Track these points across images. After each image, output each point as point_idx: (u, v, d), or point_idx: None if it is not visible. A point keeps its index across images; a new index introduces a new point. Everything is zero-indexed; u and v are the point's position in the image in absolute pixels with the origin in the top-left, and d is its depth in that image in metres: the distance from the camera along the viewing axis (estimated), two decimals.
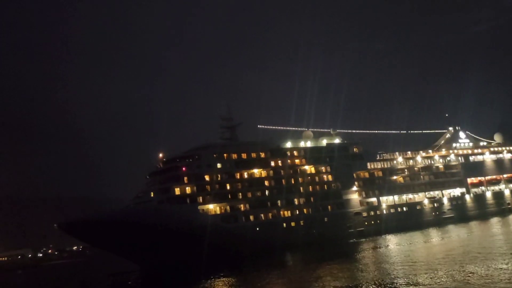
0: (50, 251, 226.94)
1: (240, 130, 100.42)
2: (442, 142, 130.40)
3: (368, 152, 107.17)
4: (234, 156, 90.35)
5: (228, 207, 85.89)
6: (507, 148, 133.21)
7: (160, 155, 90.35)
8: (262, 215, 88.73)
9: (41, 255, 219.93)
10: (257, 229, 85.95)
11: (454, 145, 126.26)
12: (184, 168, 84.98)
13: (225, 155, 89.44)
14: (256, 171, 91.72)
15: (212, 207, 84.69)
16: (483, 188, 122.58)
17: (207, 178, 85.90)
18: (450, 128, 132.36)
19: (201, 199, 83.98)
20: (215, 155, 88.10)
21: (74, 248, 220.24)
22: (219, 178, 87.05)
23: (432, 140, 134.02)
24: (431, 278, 38.75)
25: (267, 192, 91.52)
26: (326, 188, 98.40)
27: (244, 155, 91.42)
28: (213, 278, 56.91)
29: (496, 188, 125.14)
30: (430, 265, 46.16)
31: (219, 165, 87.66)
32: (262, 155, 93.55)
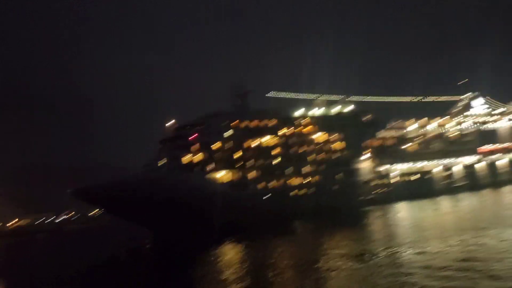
0: (71, 216, 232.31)
1: (251, 98, 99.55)
2: (459, 108, 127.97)
3: (380, 120, 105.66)
4: (244, 124, 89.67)
5: (237, 175, 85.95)
6: None
7: (171, 122, 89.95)
8: (271, 183, 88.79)
9: (63, 218, 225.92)
10: (266, 196, 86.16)
11: (469, 112, 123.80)
12: (194, 136, 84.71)
13: (235, 123, 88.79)
14: (265, 139, 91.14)
15: (222, 175, 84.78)
16: (497, 156, 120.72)
17: (217, 145, 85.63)
18: (468, 94, 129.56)
19: (210, 167, 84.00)
20: (225, 123, 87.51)
21: (95, 212, 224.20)
22: (229, 146, 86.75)
23: (448, 107, 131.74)
24: (441, 245, 38.35)
25: (276, 160, 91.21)
26: (336, 156, 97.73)
27: (254, 123, 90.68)
28: (222, 244, 57.18)
29: (511, 156, 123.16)
30: (440, 233, 45.62)
31: (229, 133, 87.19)
32: (272, 123, 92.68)
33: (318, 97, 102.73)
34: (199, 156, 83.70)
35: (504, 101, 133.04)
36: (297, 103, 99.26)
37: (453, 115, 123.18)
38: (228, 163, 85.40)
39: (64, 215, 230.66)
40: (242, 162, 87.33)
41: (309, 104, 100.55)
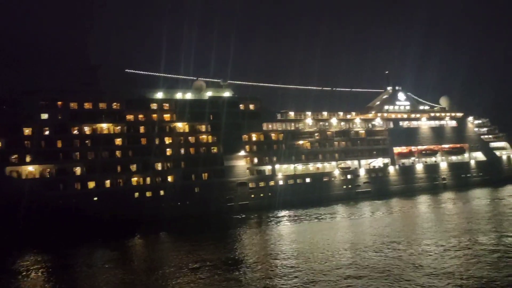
0: None
1: (114, 78, 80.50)
2: (377, 103, 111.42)
3: (266, 110, 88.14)
4: (73, 105, 70.88)
5: (55, 170, 67.45)
6: (452, 114, 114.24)
7: None
8: (107, 181, 70.65)
9: None
10: (95, 199, 68.06)
11: (386, 107, 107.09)
12: None
13: (59, 103, 69.89)
14: (104, 126, 72.73)
15: (33, 169, 66.19)
16: (414, 159, 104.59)
17: (27, 131, 66.85)
18: (389, 88, 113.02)
19: (16, 158, 65.26)
20: (42, 102, 68.61)
21: None
22: (46, 132, 67.99)
23: (367, 101, 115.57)
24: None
25: (118, 153, 73.00)
26: (203, 151, 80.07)
27: (88, 105, 72.01)
28: (26, 255, 47.67)
29: (431, 160, 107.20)
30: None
31: (45, 116, 68.27)
32: (115, 106, 74.25)
33: (188, 79, 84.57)
34: None
35: (428, 100, 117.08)
36: (157, 84, 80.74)
37: (368, 110, 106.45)
38: (43, 155, 66.79)
39: None
40: (66, 154, 68.81)
41: (173, 86, 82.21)
